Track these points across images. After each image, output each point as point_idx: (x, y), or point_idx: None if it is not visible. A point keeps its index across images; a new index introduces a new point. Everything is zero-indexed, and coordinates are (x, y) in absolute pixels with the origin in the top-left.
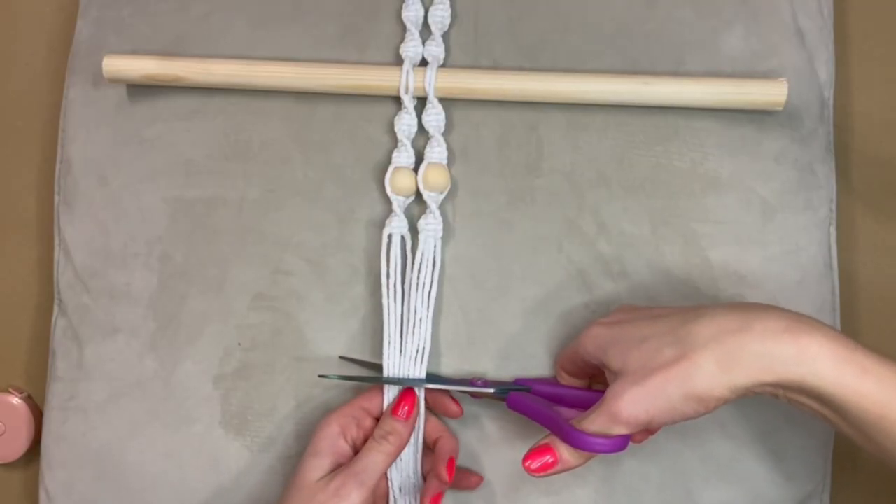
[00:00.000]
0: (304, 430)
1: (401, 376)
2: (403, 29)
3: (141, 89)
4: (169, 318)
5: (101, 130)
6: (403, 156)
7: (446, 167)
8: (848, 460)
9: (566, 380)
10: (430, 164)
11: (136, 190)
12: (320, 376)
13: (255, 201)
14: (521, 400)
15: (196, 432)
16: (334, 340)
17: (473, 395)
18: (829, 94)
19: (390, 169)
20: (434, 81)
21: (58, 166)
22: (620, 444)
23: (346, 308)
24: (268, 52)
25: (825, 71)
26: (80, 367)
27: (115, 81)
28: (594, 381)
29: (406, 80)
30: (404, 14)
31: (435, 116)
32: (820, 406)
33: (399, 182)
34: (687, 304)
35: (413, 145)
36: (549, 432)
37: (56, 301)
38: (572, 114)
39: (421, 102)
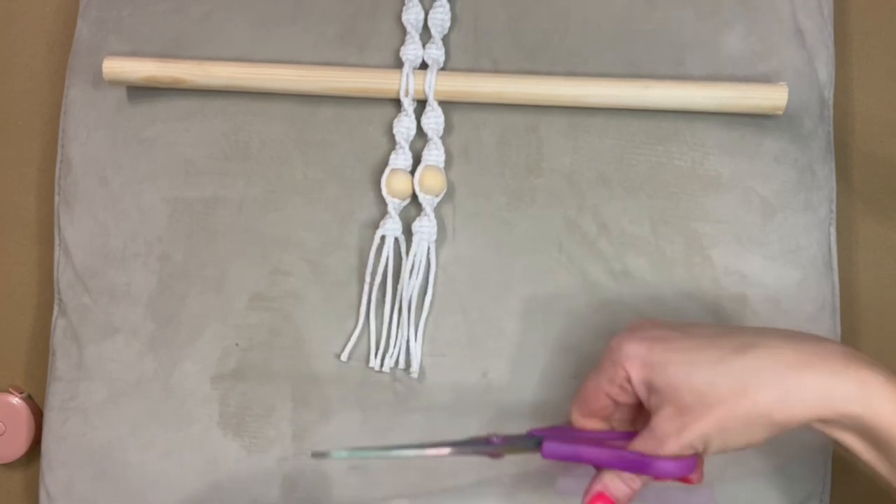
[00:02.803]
0: (302, 431)
1: (412, 443)
2: (403, 30)
3: (141, 89)
4: (168, 319)
5: (101, 130)
6: (401, 158)
7: (442, 170)
8: (848, 461)
9: (585, 423)
10: (426, 166)
11: (136, 190)
12: (313, 455)
13: (255, 201)
14: (558, 446)
15: (195, 432)
16: (332, 340)
17: (493, 455)
18: (829, 94)
19: (387, 171)
20: (434, 86)
21: (58, 166)
22: (693, 464)
23: (344, 308)
24: (267, 53)
25: (825, 71)
26: (80, 367)
27: (115, 84)
28: (618, 419)
29: (406, 84)
30: (404, 17)
31: (434, 120)
32: (863, 442)
33: (395, 184)
34: (691, 305)
35: (411, 147)
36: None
37: (56, 301)
38: (573, 114)
39: (421, 105)
